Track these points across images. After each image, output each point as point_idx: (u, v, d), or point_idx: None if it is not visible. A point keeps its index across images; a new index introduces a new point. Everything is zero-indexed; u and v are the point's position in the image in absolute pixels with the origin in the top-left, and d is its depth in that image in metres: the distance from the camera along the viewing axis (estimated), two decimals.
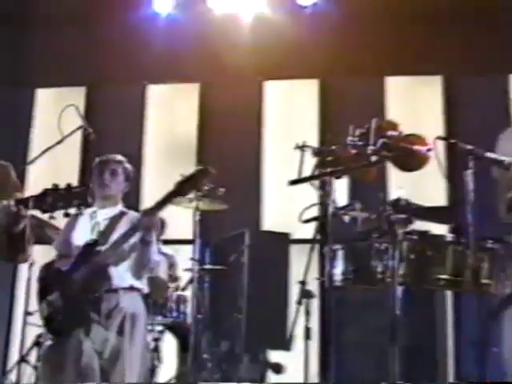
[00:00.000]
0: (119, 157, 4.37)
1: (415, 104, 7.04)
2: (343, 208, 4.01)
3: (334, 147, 4.03)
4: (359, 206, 4.06)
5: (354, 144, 3.79)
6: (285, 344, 5.96)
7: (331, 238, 3.81)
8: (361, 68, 6.94)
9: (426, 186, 5.91)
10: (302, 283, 4.27)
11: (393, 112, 6.82)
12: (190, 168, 6.76)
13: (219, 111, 7.19)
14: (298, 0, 7.04)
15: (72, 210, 3.64)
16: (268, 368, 6.07)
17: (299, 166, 4.01)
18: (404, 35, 6.82)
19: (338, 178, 3.78)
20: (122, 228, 4.12)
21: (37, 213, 3.47)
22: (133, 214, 4.22)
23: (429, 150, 3.68)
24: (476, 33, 6.77)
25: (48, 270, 4.29)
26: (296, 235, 6.44)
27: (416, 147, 3.68)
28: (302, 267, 6.36)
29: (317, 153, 3.87)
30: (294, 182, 3.95)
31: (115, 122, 6.85)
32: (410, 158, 3.72)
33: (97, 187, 4.22)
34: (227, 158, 6.81)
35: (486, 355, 4.46)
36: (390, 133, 3.80)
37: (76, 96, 6.92)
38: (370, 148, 3.68)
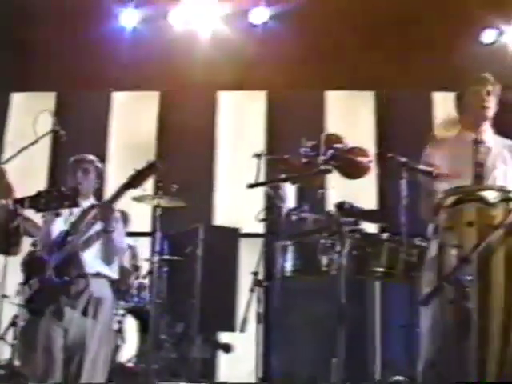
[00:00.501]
0: (91, 156, 4.54)
1: (351, 117, 7.22)
2: (294, 209, 4.28)
3: (286, 156, 4.32)
4: (307, 208, 4.34)
5: (306, 154, 4.07)
6: (233, 326, 6.23)
7: (282, 235, 4.11)
8: (304, 82, 7.06)
9: (358, 188, 6.19)
10: (255, 274, 4.49)
11: (331, 124, 7.05)
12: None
13: (177, 117, 7.26)
14: (251, 19, 7.12)
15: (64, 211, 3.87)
16: (218, 348, 6.28)
17: (256, 171, 4.25)
18: (343, 52, 6.96)
19: (292, 183, 4.07)
20: None
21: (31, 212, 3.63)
22: None
23: (370, 161, 4.00)
24: (406, 50, 6.91)
25: (31, 257, 4.47)
26: (245, 230, 6.62)
27: (359, 159, 3.98)
28: (249, 258, 6.64)
29: (273, 161, 4.13)
30: (252, 186, 4.21)
31: (82, 125, 6.83)
32: (354, 168, 4.02)
33: (71, 185, 4.36)
34: (184, 160, 6.91)
35: (410, 336, 4.72)
36: (336, 145, 4.10)
37: (47, 100, 6.99)
38: (321, 158, 3.97)
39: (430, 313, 3.38)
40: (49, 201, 3.48)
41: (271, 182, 4.12)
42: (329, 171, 3.96)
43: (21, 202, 3.53)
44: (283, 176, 4.09)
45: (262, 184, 4.19)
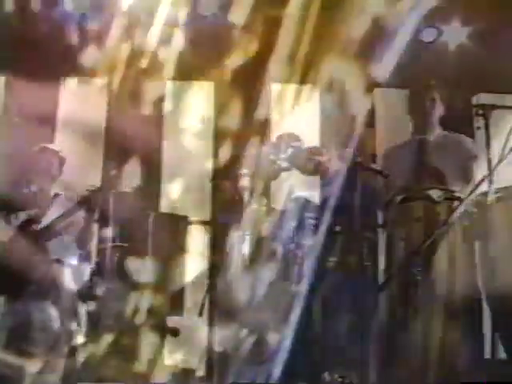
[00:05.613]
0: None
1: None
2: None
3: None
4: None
5: (269, 152, 4.59)
6: (181, 311, 6.71)
7: (244, 224, 4.62)
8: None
9: None
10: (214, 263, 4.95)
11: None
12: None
13: (126, 105, 7.39)
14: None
15: None
16: (166, 332, 6.77)
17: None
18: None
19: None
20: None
21: None
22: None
23: (326, 160, 4.55)
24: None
25: None
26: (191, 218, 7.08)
27: (317, 157, 4.53)
28: (196, 245, 7.10)
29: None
30: (214, 179, 4.70)
31: (30, 110, 7.09)
32: (312, 166, 4.57)
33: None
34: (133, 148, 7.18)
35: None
36: (294, 143, 4.64)
37: None
38: (282, 156, 4.49)
39: (383, 298, 4.00)
40: None
41: (236, 177, 4.60)
42: (290, 168, 4.49)
43: None
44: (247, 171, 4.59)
45: (224, 178, 4.69)
